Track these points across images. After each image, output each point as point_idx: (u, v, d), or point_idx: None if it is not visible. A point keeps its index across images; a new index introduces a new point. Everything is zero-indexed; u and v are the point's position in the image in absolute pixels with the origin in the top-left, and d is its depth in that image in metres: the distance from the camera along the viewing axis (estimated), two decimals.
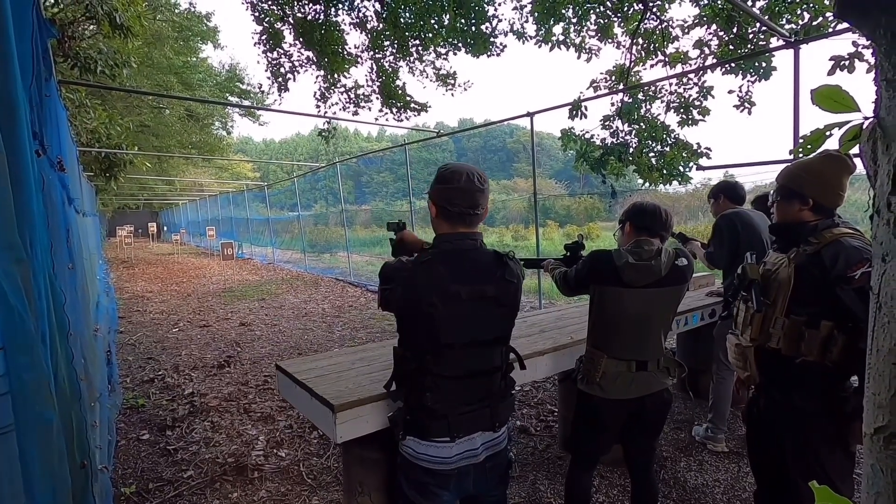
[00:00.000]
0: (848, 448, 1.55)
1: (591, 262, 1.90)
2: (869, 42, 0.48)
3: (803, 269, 1.55)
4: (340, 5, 6.38)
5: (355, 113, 7.19)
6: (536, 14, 5.79)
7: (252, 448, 3.24)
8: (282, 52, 6.75)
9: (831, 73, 3.59)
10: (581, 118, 5.16)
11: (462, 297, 1.41)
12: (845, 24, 3.05)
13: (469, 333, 1.44)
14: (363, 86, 7.09)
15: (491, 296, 1.45)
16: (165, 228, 35.40)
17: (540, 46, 6.02)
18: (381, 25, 6.43)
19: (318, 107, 7.13)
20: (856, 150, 0.59)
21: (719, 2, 4.83)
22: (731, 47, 5.05)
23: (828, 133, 0.58)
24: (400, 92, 6.89)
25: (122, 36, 5.73)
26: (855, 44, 3.52)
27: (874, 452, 0.46)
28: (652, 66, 5.62)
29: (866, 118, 0.54)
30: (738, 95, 4.86)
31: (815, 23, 4.41)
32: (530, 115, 5.89)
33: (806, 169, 1.62)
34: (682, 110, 5.08)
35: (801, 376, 1.57)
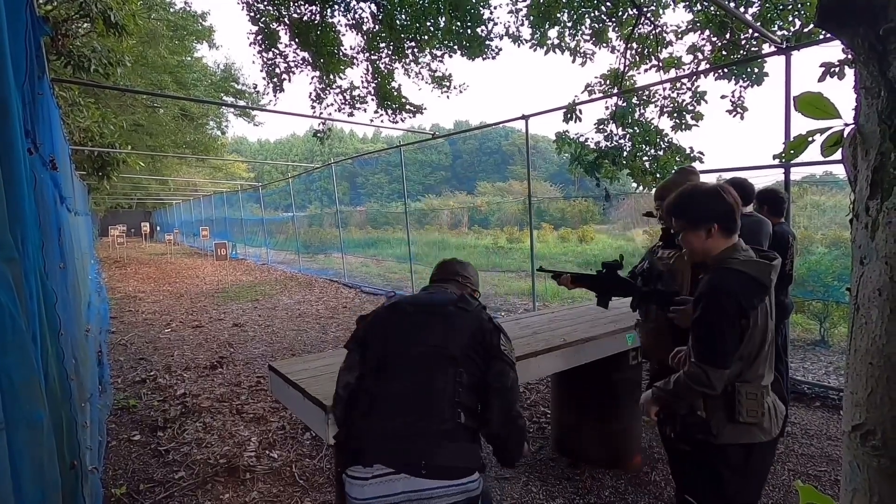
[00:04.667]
0: None
1: (738, 296, 1.49)
2: (848, 51, 0.50)
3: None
4: (336, 6, 6.38)
5: (351, 114, 7.18)
6: (532, 18, 5.82)
7: (244, 449, 3.23)
8: (277, 52, 6.74)
9: (822, 79, 3.63)
10: (576, 121, 5.19)
11: (408, 311, 1.51)
12: None
13: (406, 337, 1.46)
14: (359, 87, 7.08)
15: (437, 314, 1.51)
16: (158, 228, 35.18)
17: (535, 50, 6.05)
18: (376, 27, 6.44)
19: (313, 107, 7.12)
20: (838, 155, 0.61)
21: (712, 8, 4.87)
22: (723, 53, 5.09)
23: (810, 139, 0.60)
24: (395, 94, 6.90)
25: (117, 34, 5.70)
26: (845, 51, 3.56)
27: (851, 449, 0.48)
28: (646, 70, 5.66)
29: (847, 125, 0.55)
30: (730, 100, 4.90)
31: (806, 30, 4.47)
32: (525, 117, 5.91)
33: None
34: (675, 115, 5.11)
35: None
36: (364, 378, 1.47)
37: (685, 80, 5.15)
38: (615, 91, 5.36)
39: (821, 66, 3.58)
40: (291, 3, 6.29)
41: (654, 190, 2.43)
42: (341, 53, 6.63)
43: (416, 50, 6.58)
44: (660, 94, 5.23)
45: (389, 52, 6.70)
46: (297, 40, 6.47)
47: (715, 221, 1.58)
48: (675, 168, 4.98)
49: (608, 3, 5.55)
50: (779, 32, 4.57)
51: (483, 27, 6.16)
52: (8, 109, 1.12)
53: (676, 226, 1.67)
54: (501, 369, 1.46)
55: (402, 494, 1.26)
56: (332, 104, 7.14)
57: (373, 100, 7.07)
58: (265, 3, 6.37)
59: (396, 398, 1.38)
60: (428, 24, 6.17)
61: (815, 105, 0.56)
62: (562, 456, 3.02)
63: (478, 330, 1.48)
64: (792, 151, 0.61)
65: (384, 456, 1.29)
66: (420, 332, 1.46)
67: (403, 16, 6.16)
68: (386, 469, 1.28)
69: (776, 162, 3.68)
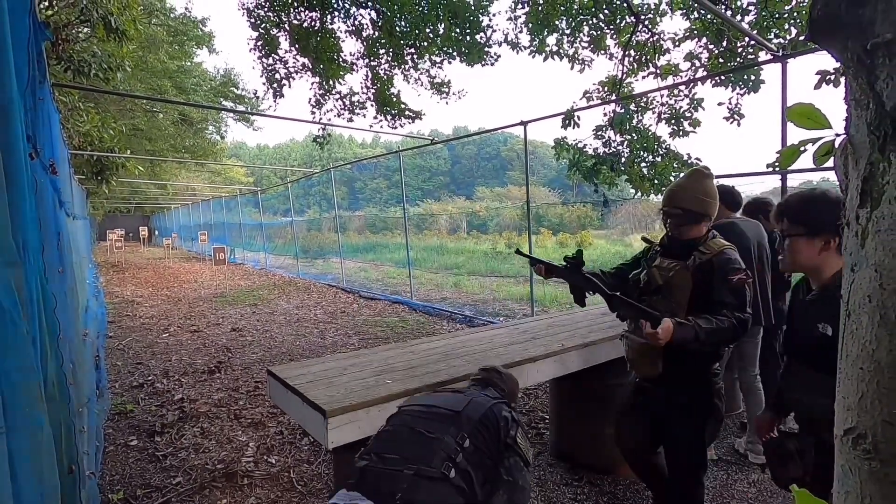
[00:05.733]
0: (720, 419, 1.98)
1: None
2: (839, 64, 0.51)
3: (698, 273, 1.87)
4: (336, 13, 6.42)
5: (350, 120, 7.21)
6: (530, 25, 5.86)
7: (242, 454, 3.22)
8: (277, 58, 6.78)
9: (817, 87, 3.67)
10: (574, 128, 5.22)
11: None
12: None
13: (421, 401, 1.55)
14: (358, 93, 7.12)
15: (458, 390, 1.62)
16: (157, 232, 35.14)
17: (534, 56, 6.10)
18: (376, 33, 6.48)
19: (312, 113, 7.15)
20: (830, 163, 0.62)
21: (709, 16, 4.92)
22: (720, 60, 5.14)
23: (802, 149, 0.61)
24: (395, 99, 6.93)
25: (117, 39, 5.73)
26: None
27: (844, 453, 0.49)
28: (643, 77, 5.70)
29: (838, 135, 0.57)
30: (727, 107, 4.94)
31: (801, 38, 4.51)
32: (524, 123, 5.94)
33: (707, 193, 1.93)
34: (673, 121, 5.15)
35: (697, 365, 1.89)
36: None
37: (683, 87, 5.19)
38: (613, 98, 5.40)
39: (816, 73, 3.62)
40: (291, 10, 6.33)
41: (662, 193, 2.28)
42: (341, 59, 6.67)
43: (415, 56, 6.62)
44: (657, 101, 5.27)
45: (389, 59, 6.74)
46: (297, 46, 6.51)
47: (837, 235, 1.40)
48: (674, 173, 5.01)
49: (606, 11, 5.60)
50: (775, 40, 4.62)
51: (482, 34, 6.21)
52: (11, 115, 1.13)
53: (789, 229, 1.51)
54: (517, 464, 1.46)
55: None
56: (331, 109, 7.18)
57: (372, 105, 7.10)
58: (265, 9, 6.41)
59: (390, 437, 1.43)
60: (427, 30, 6.22)
61: (807, 116, 0.57)
62: (560, 461, 3.02)
63: (493, 412, 1.48)
64: (785, 160, 0.63)
65: (363, 486, 1.31)
66: (434, 397, 1.54)
67: (403, 22, 6.21)
68: (361, 499, 1.28)
69: (769, 170, 3.71)
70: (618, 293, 1.92)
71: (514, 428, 1.49)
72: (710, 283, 1.84)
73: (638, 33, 5.42)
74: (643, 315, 1.70)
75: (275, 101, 7.16)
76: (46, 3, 5.80)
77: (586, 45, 5.93)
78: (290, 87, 6.99)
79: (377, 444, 1.43)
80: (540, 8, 5.66)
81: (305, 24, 6.40)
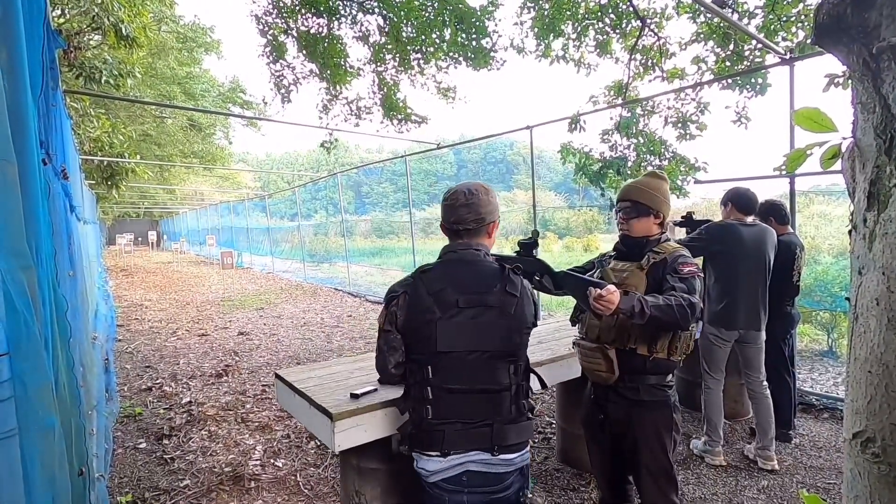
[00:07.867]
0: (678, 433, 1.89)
1: None
2: (844, 68, 0.51)
3: (652, 273, 1.84)
4: (343, 19, 6.48)
5: (357, 125, 7.26)
6: (536, 30, 5.89)
7: (249, 458, 3.23)
8: (285, 63, 6.85)
9: (826, 89, 3.65)
10: (580, 132, 5.23)
11: (459, 305, 1.44)
12: None
13: (468, 343, 1.44)
14: (365, 98, 7.17)
15: (491, 306, 1.46)
16: (165, 237, 35.42)
17: (540, 61, 6.12)
18: (383, 39, 6.53)
19: (320, 118, 7.21)
20: (837, 166, 0.62)
21: (716, 19, 4.91)
22: (727, 64, 5.13)
23: (808, 152, 0.61)
24: (401, 104, 6.97)
25: (128, 46, 5.82)
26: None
27: (853, 457, 0.48)
28: (650, 81, 5.71)
29: (845, 138, 0.57)
30: (734, 111, 4.93)
31: (809, 41, 4.49)
32: (530, 128, 5.95)
33: (657, 189, 1.91)
34: (679, 125, 5.14)
35: (650, 373, 1.84)
36: (419, 366, 1.48)
37: (689, 91, 5.18)
38: (619, 102, 5.40)
39: (825, 76, 3.60)
40: (299, 16, 6.39)
41: (618, 191, 2.15)
42: (348, 65, 6.73)
43: (421, 61, 6.66)
44: (664, 105, 5.26)
45: (395, 64, 6.79)
46: (304, 52, 6.57)
47: None
48: (681, 177, 4.99)
49: (612, 16, 5.61)
50: (782, 43, 4.60)
51: (488, 39, 6.24)
52: (26, 122, 1.15)
53: None
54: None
55: (475, 463, 1.45)
56: (338, 115, 7.23)
57: (379, 110, 7.15)
58: (273, 15, 6.48)
59: (462, 399, 1.45)
60: (433, 36, 6.25)
61: (813, 119, 0.57)
62: (567, 466, 3.00)
63: (529, 320, 1.51)
64: (792, 163, 0.63)
65: (459, 444, 1.44)
66: (478, 337, 1.45)
67: (409, 28, 6.25)
68: (462, 451, 1.45)
69: (776, 173, 3.69)
70: (566, 271, 1.85)
71: (538, 314, 1.57)
72: (663, 279, 1.80)
73: (644, 37, 5.43)
74: (592, 285, 1.61)
75: (282, 106, 7.23)
76: (59, 12, 5.90)
77: (592, 49, 5.95)
78: (297, 92, 7.05)
79: (446, 410, 1.45)
80: (546, 13, 5.69)
81: (313, 31, 6.46)
